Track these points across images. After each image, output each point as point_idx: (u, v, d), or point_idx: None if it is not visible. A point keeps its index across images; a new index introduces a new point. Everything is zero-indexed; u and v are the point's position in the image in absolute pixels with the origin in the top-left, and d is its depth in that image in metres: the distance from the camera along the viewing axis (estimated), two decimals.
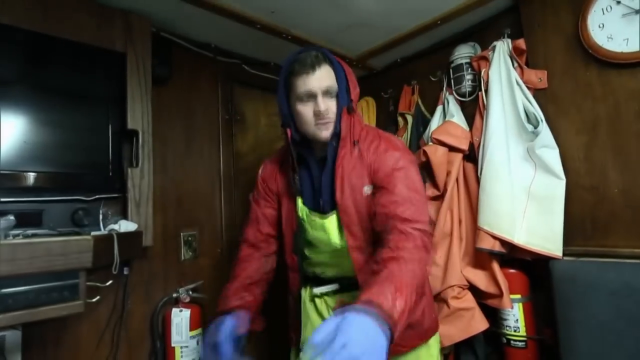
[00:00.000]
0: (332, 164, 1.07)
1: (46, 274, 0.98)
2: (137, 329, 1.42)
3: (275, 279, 1.22)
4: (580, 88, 1.35)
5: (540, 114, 1.40)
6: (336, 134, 1.05)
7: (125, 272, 1.39)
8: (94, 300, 1.23)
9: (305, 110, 1.03)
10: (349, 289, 1.11)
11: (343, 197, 1.04)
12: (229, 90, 1.80)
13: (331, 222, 1.08)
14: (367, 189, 1.04)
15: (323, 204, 1.09)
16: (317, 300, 1.18)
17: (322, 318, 1.16)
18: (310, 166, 1.11)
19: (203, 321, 1.48)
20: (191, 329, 1.41)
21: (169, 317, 1.41)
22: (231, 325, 1.00)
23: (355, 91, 1.10)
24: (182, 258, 1.57)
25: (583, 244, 1.33)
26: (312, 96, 1.02)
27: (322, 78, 1.02)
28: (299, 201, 1.13)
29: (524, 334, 1.44)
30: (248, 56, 1.85)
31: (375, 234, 1.03)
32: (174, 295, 1.47)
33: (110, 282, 1.28)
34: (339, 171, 1.05)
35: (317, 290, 1.15)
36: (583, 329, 1.25)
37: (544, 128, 1.38)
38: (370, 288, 0.80)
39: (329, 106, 1.03)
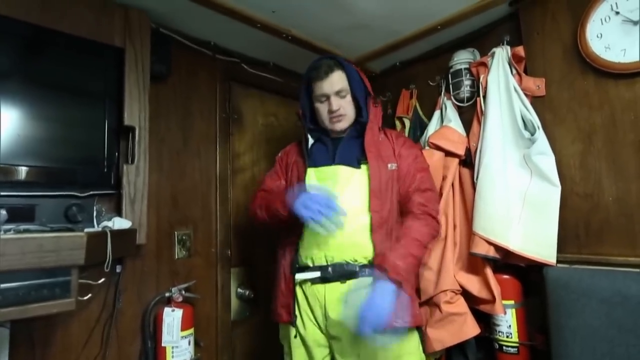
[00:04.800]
0: (349, 140, 1.31)
1: (37, 270, 0.96)
2: (127, 328, 1.40)
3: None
4: (577, 96, 1.37)
5: (537, 121, 1.41)
6: (358, 123, 1.31)
7: (118, 270, 1.37)
8: (85, 298, 1.22)
9: (322, 108, 1.31)
10: (333, 278, 1.16)
11: (371, 157, 1.24)
12: (227, 89, 1.79)
13: (346, 171, 1.24)
14: (391, 166, 1.26)
15: (338, 160, 1.27)
16: (298, 290, 1.23)
17: (301, 314, 1.22)
18: (325, 143, 1.35)
19: (195, 321, 1.46)
20: (183, 329, 1.39)
21: (160, 316, 1.40)
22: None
23: (378, 100, 1.36)
24: (176, 257, 1.55)
25: (577, 251, 1.34)
26: (326, 97, 1.28)
27: (333, 83, 1.27)
28: (309, 168, 1.29)
29: (516, 339, 1.44)
30: (247, 55, 1.84)
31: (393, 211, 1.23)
32: (167, 294, 1.45)
33: (103, 279, 1.26)
34: (367, 139, 1.27)
35: (299, 276, 1.20)
36: (575, 335, 1.25)
37: (540, 135, 1.39)
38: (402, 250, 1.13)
39: (340, 104, 1.28)
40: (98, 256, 1.07)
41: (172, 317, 1.39)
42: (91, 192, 1.26)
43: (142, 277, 1.45)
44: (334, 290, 1.16)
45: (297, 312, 1.23)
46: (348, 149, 1.29)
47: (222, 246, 1.70)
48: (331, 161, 1.28)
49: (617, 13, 1.27)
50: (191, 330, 1.44)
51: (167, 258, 1.53)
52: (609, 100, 1.30)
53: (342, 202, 1.17)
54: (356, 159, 1.26)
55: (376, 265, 1.12)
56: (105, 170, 1.30)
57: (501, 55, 1.52)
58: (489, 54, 1.56)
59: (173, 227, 1.56)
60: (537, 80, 1.45)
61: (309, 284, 1.20)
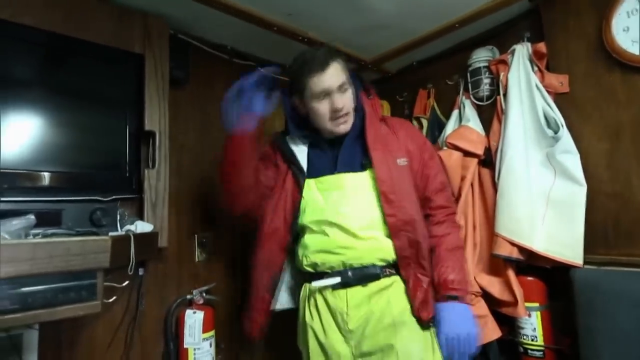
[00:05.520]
0: (353, 138, 1.19)
1: (65, 273, 0.98)
2: (150, 329, 1.43)
3: None
4: (603, 93, 1.33)
5: (560, 119, 1.37)
6: (358, 117, 1.19)
7: (140, 273, 1.39)
8: (110, 300, 1.24)
9: (321, 107, 1.14)
10: (354, 282, 1.11)
11: (376, 156, 1.13)
12: None
13: (353, 178, 1.15)
14: (401, 161, 1.16)
15: (341, 167, 1.16)
16: (318, 297, 1.16)
17: (322, 321, 1.15)
18: (322, 147, 1.22)
19: (216, 323, 1.48)
20: (204, 331, 1.41)
21: (182, 318, 1.42)
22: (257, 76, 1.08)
23: (371, 89, 1.27)
24: (197, 259, 1.57)
25: (605, 252, 1.30)
26: (327, 94, 1.12)
27: (334, 75, 1.11)
28: (308, 179, 1.18)
29: (542, 343, 1.41)
30: (264, 58, 1.85)
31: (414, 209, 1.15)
32: (188, 296, 1.48)
33: (126, 282, 1.29)
34: (370, 135, 1.16)
35: (316, 283, 1.13)
36: (605, 339, 1.21)
37: (564, 133, 1.35)
38: (445, 268, 1.13)
39: (344, 102, 1.13)
40: (122, 259, 1.09)
41: (193, 319, 1.40)
42: (114, 197, 1.29)
43: (163, 279, 1.47)
44: (356, 294, 1.12)
45: (315, 318, 1.17)
46: (350, 151, 1.18)
47: (242, 249, 1.70)
48: (333, 168, 1.17)
49: None
50: (212, 332, 1.45)
51: (188, 261, 1.55)
52: (637, 96, 1.25)
53: (353, 212, 1.12)
54: (360, 162, 1.16)
55: (438, 289, 1.12)
56: (128, 175, 1.33)
57: (521, 52, 1.48)
58: (509, 51, 1.53)
59: (193, 230, 1.58)
60: (560, 76, 1.41)
61: (330, 290, 1.14)
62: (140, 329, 1.39)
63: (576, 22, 1.39)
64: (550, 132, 1.39)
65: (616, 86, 1.30)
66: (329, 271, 1.14)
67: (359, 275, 1.11)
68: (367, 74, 2.04)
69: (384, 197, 1.11)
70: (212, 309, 1.47)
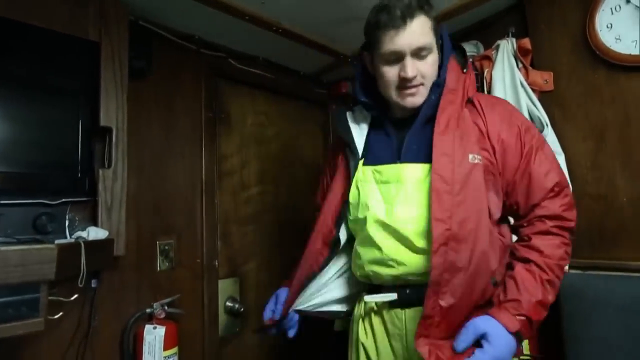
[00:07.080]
0: (424, 122, 0.98)
1: (2, 287, 0.92)
2: (104, 348, 1.35)
3: None
4: (588, 91, 1.36)
5: (545, 118, 1.40)
6: (435, 92, 0.97)
7: (93, 285, 1.32)
8: (56, 316, 1.17)
9: (389, 72, 0.96)
10: (414, 302, 0.94)
11: (439, 143, 0.91)
12: (213, 86, 1.76)
13: (415, 170, 0.95)
14: (473, 157, 0.92)
15: (405, 156, 0.98)
16: (373, 313, 1.02)
17: (376, 341, 1.01)
18: (386, 128, 1.05)
19: (179, 339, 1.42)
20: (165, 348, 1.35)
21: (141, 334, 1.35)
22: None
23: (469, 61, 1.05)
24: (158, 269, 1.51)
25: (590, 256, 1.33)
26: (398, 57, 0.93)
27: (413, 34, 0.91)
28: (360, 163, 1.03)
29: (528, 352, 1.42)
30: (235, 49, 1.81)
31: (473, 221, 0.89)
32: (148, 310, 1.41)
33: (76, 296, 1.22)
34: (441, 117, 0.93)
35: (369, 298, 0.99)
36: (591, 347, 1.24)
37: (549, 133, 1.38)
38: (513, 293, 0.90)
39: (419, 70, 0.94)
40: (71, 270, 1.04)
41: (153, 336, 1.34)
42: (63, 200, 1.22)
43: (120, 292, 1.40)
44: (416, 317, 0.92)
45: (369, 336, 1.03)
46: (420, 136, 0.97)
47: (209, 256, 1.66)
48: (396, 157, 0.99)
49: (628, 1, 1.27)
50: (175, 349, 1.39)
51: (149, 270, 1.49)
52: (622, 95, 1.29)
53: (409, 213, 0.93)
54: (427, 151, 0.94)
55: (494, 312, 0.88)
56: (79, 175, 1.26)
57: (506, 47, 1.51)
58: (493, 46, 1.55)
59: (155, 236, 1.52)
60: (545, 74, 1.44)
61: (387, 307, 0.98)
62: (93, 348, 1.32)
63: (560, 17, 1.42)
64: None
65: (600, 84, 1.33)
66: (383, 284, 0.99)
67: (420, 295, 0.90)
68: (345, 69, 2.03)
69: (436, 194, 0.88)
70: (175, 323, 1.42)
